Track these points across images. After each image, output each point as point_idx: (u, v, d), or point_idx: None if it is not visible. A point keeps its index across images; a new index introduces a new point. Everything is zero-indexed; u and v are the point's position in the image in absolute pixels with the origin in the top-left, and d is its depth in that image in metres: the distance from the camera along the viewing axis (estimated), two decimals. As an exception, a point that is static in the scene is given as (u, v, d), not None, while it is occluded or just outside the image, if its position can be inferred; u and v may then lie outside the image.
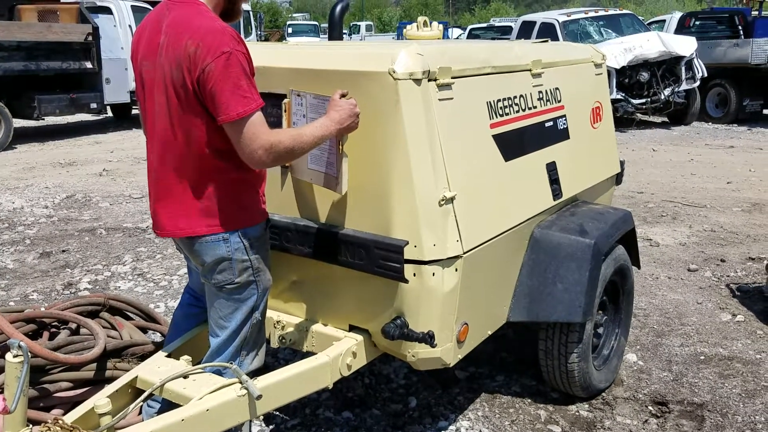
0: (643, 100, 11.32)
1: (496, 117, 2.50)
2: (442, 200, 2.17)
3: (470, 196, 2.30)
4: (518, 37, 12.52)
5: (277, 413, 2.88)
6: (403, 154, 2.14)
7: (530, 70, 2.73)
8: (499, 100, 2.51)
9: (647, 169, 8.36)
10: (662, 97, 11.31)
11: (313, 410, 2.94)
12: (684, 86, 11.42)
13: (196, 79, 1.86)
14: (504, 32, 18.30)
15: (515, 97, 2.61)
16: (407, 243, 2.15)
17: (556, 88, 2.89)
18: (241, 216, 2.06)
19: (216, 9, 2.02)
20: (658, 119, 12.63)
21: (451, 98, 2.26)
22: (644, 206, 6.48)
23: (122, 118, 13.66)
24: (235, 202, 2.04)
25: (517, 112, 2.62)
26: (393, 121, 2.13)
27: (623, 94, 11.16)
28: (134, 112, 14.18)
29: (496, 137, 2.49)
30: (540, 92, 2.78)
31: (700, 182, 7.61)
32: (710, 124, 12.45)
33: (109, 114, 13.63)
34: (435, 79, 2.19)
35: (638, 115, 11.67)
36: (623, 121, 11.57)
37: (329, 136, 2.03)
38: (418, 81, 2.13)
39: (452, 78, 2.26)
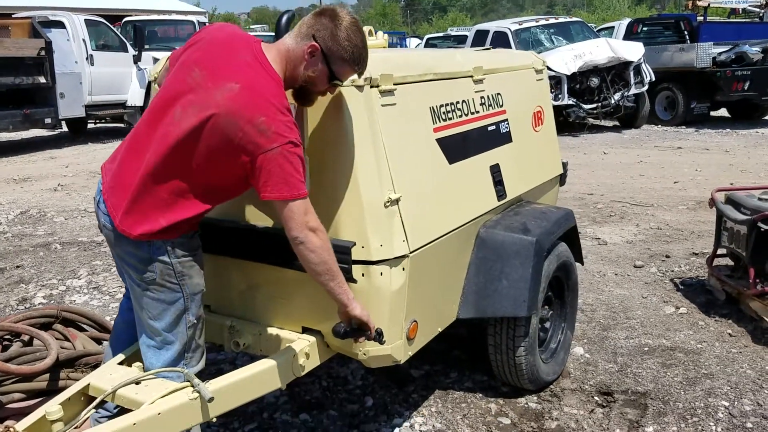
0: (594, 105, 11.63)
1: (440, 122, 2.59)
2: (388, 202, 2.25)
3: (415, 198, 2.39)
4: (473, 45, 12.74)
5: (235, 417, 2.92)
6: (348, 158, 2.22)
7: (472, 77, 2.83)
8: (441, 106, 2.61)
9: (598, 171, 8.60)
10: (612, 101, 11.63)
11: (270, 414, 2.99)
12: (633, 90, 11.77)
13: (253, 152, 1.92)
14: (460, 41, 18.53)
15: (458, 102, 2.71)
16: (354, 244, 2.23)
17: (498, 94, 3.01)
18: (174, 229, 2.07)
19: (280, 72, 2.05)
20: (609, 123, 12.98)
21: (394, 104, 2.35)
22: (594, 207, 6.66)
23: (77, 132, 13.45)
24: (178, 219, 2.05)
25: (460, 116, 2.72)
26: (337, 126, 2.21)
27: (574, 100, 11.46)
28: (89, 126, 14.01)
29: (440, 141, 2.58)
30: (482, 98, 2.89)
31: (648, 183, 7.85)
32: (659, 126, 12.85)
33: (64, 129, 13.43)
34: (377, 86, 2.27)
35: (590, 119, 11.98)
36: (575, 126, 11.87)
37: (341, 301, 2.12)
38: (360, 87, 2.21)
39: (394, 84, 2.35)
